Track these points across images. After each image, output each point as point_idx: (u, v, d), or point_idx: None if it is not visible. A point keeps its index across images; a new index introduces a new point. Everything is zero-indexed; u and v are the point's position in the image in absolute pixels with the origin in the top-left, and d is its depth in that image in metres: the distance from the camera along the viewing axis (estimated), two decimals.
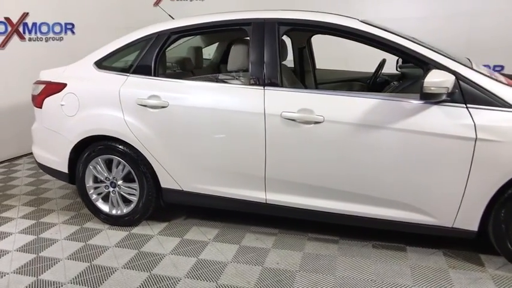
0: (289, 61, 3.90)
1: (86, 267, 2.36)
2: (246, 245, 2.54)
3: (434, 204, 2.19)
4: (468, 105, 2.07)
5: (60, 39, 5.01)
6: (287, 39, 3.42)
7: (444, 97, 2.03)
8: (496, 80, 2.12)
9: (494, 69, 5.39)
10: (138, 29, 2.77)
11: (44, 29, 4.84)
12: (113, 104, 2.63)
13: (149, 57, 2.64)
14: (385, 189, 2.25)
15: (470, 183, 2.09)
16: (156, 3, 6.03)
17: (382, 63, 3.29)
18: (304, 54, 3.73)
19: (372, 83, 3.27)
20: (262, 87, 2.38)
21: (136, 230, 2.81)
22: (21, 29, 4.58)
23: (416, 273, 2.20)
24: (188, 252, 2.48)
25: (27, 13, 4.63)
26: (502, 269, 2.22)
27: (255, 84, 2.40)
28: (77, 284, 2.20)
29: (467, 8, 5.45)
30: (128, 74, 2.67)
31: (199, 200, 2.66)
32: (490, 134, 2.01)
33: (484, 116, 2.04)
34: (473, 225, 2.16)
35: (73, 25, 5.15)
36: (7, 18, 4.44)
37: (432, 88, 1.97)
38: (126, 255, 2.47)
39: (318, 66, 3.97)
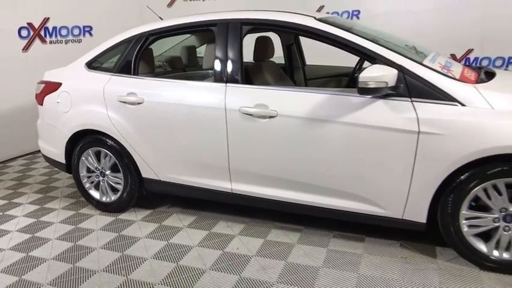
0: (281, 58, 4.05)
1: (70, 247, 2.64)
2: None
3: (384, 195, 2.26)
4: (413, 99, 2.11)
5: (79, 41, 5.41)
6: (276, 37, 3.54)
7: (387, 91, 2.10)
8: (444, 75, 2.14)
9: (509, 61, 5.21)
10: (122, 32, 3.02)
11: (64, 32, 5.26)
12: (98, 101, 2.90)
13: (129, 57, 2.88)
14: (337, 180, 2.34)
15: (415, 175, 2.14)
16: (170, 5, 6.32)
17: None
18: (293, 50, 3.83)
19: (353, 78, 3.32)
20: (224, 84, 2.54)
21: (123, 215, 3.07)
22: (42, 33, 5.02)
23: (366, 262, 2.28)
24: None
25: (48, 18, 5.06)
26: (453, 261, 2.24)
27: (218, 81, 2.56)
28: (59, 260, 2.49)
29: None
30: (112, 74, 2.92)
31: (175, 189, 2.87)
32: (432, 127, 2.05)
33: (427, 109, 2.08)
34: (421, 217, 2.21)
35: (91, 28, 5.54)
36: (30, 24, 4.88)
37: (369, 83, 2.03)
38: (107, 237, 2.74)
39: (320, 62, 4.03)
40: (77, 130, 3.01)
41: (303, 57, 3.92)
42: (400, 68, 2.14)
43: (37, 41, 4.97)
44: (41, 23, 5.00)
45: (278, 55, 3.99)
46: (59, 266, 2.43)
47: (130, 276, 2.29)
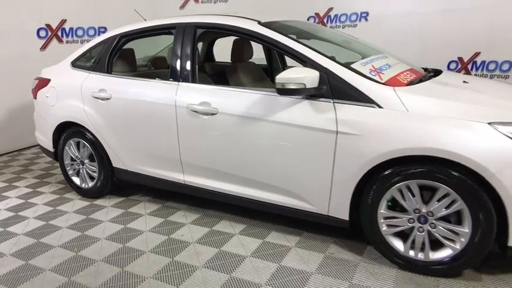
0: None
1: (42, 225, 2.96)
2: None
3: (310, 192, 2.36)
4: (334, 100, 2.20)
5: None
6: None
7: (310, 92, 2.20)
8: (368, 78, 2.21)
9: None
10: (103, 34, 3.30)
11: (80, 32, 5.70)
12: (77, 96, 3.20)
13: (104, 56, 3.16)
14: (270, 175, 2.47)
15: (335, 173, 2.23)
16: (182, 7, 6.63)
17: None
18: (273, 53, 3.96)
19: None
20: (177, 83, 2.74)
21: (99, 201, 3.36)
22: (59, 34, 5.49)
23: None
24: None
25: (65, 20, 5.52)
26: (378, 260, 2.30)
27: (172, 79, 2.77)
28: (28, 236, 2.81)
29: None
30: (90, 72, 3.22)
31: (140, 179, 3.12)
32: (349, 128, 2.13)
33: (346, 110, 2.16)
34: (344, 214, 2.29)
35: (106, 29, 5.94)
36: (48, 25, 5.36)
37: (286, 84, 2.15)
38: (75, 219, 3.03)
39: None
40: (60, 122, 3.34)
41: (283, 59, 4.04)
42: (324, 71, 2.24)
43: (54, 40, 5.44)
44: (58, 24, 5.47)
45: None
46: (26, 240, 2.75)
47: (81, 253, 2.55)
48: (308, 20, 6.43)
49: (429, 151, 1.95)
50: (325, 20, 6.44)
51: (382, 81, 2.21)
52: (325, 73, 2.23)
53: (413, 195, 2.07)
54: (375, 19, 6.19)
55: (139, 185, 3.43)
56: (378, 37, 6.12)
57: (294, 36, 2.86)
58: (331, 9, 6.39)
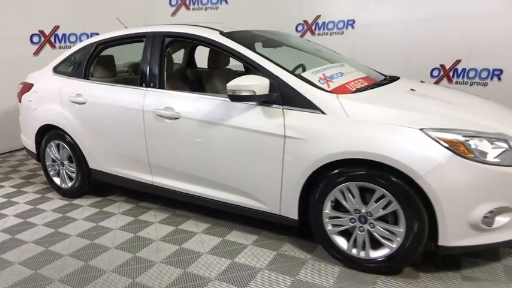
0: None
1: (20, 222, 3.12)
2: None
3: (263, 192, 2.49)
4: (284, 107, 2.34)
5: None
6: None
7: (262, 99, 2.34)
8: (314, 85, 2.35)
9: (494, 73, 5.10)
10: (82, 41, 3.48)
11: (73, 38, 5.90)
12: (56, 100, 3.38)
13: (82, 63, 3.33)
14: (228, 177, 2.61)
15: (284, 175, 2.36)
16: (174, 14, 6.82)
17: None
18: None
19: None
20: (145, 88, 2.90)
21: (77, 201, 3.52)
22: (52, 39, 5.69)
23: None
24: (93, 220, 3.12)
25: (58, 26, 5.73)
26: (325, 258, 2.42)
27: (141, 85, 2.93)
28: (3, 232, 2.97)
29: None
30: (68, 77, 3.39)
31: (114, 180, 3.27)
32: (294, 132, 2.27)
33: (293, 116, 2.30)
34: (294, 213, 2.42)
35: (98, 34, 6.15)
36: (41, 31, 5.57)
37: (237, 91, 2.29)
38: (52, 217, 3.20)
39: None
40: (41, 124, 3.52)
41: None
42: (275, 78, 2.38)
43: (47, 46, 5.65)
44: (52, 31, 5.67)
45: None
46: (1, 236, 2.91)
47: (51, 248, 2.71)
48: (297, 27, 6.61)
49: (364, 155, 2.08)
50: (313, 27, 6.60)
51: (329, 89, 2.35)
52: (276, 81, 2.37)
53: (354, 197, 2.20)
54: (361, 27, 6.34)
55: (117, 186, 3.58)
56: (365, 44, 6.28)
57: (260, 45, 3.03)
58: (318, 16, 6.55)
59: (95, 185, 3.52)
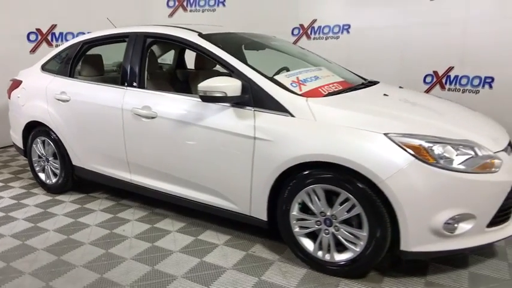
0: None
1: (2, 216, 3.18)
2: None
3: (235, 193, 2.52)
4: (255, 108, 2.37)
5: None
6: None
7: (235, 100, 2.38)
8: (286, 88, 2.37)
9: (485, 81, 5.09)
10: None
11: (69, 37, 5.96)
12: (42, 97, 3.44)
13: (67, 61, 3.39)
14: (201, 177, 2.64)
15: (254, 176, 2.39)
16: (171, 15, 6.88)
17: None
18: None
19: None
20: (125, 87, 2.94)
21: (60, 196, 3.57)
22: (49, 38, 5.78)
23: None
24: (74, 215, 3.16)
25: (56, 24, 5.81)
26: (293, 260, 2.44)
27: (121, 84, 2.97)
28: None
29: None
30: (54, 75, 3.45)
31: (95, 177, 3.32)
32: (264, 134, 2.30)
33: (263, 118, 2.33)
34: (263, 214, 2.44)
35: None
36: (38, 29, 5.65)
37: (208, 92, 2.33)
38: (33, 212, 3.25)
39: None
40: (28, 121, 3.58)
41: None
42: (248, 80, 2.41)
43: (44, 44, 5.73)
44: (49, 29, 5.76)
45: None
46: None
47: (27, 242, 2.75)
48: (293, 31, 6.65)
49: (328, 158, 2.10)
50: (309, 31, 6.63)
51: (300, 93, 2.37)
52: (248, 83, 2.40)
53: (320, 199, 2.22)
54: (356, 31, 6.37)
55: (100, 184, 3.62)
56: (359, 49, 6.30)
57: (242, 46, 3.06)
58: (314, 21, 6.58)
59: (78, 181, 3.57)
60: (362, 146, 2.05)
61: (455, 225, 2.04)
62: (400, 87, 3.03)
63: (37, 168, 3.72)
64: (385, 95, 2.59)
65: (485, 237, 2.13)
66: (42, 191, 3.72)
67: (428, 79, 5.82)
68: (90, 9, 6.13)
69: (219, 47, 2.62)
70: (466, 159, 2.04)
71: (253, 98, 2.39)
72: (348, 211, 2.14)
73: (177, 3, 6.81)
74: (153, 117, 2.73)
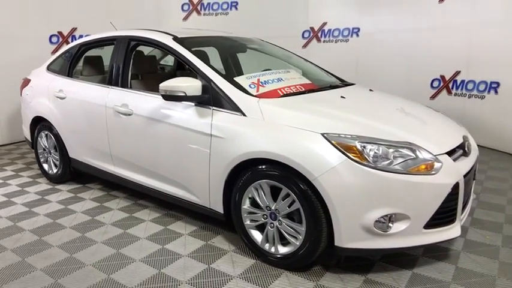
0: None
1: (4, 201, 3.53)
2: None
3: (196, 186, 2.70)
4: (213, 108, 2.54)
5: (101, 48, 6.53)
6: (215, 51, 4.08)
7: (196, 100, 2.56)
8: (241, 89, 2.52)
9: (491, 86, 4.96)
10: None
11: None
12: (45, 95, 3.78)
13: (67, 62, 3.71)
14: (169, 171, 2.84)
15: (211, 171, 2.55)
16: (185, 18, 7.18)
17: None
18: (229, 63, 4.31)
19: None
20: (109, 87, 3.20)
21: (60, 186, 3.90)
22: (70, 40, 6.22)
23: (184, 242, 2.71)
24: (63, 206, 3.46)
25: (76, 28, 6.26)
26: (246, 251, 2.58)
27: (107, 84, 3.23)
28: None
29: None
30: (56, 74, 3.78)
31: (87, 168, 3.61)
32: (218, 132, 2.47)
33: (219, 116, 2.50)
34: (219, 207, 2.60)
35: None
36: (59, 32, 6.12)
37: (168, 91, 2.52)
38: (32, 198, 3.59)
39: None
40: (34, 116, 3.94)
41: (239, 70, 4.38)
42: (209, 81, 2.58)
43: (64, 46, 6.18)
44: (69, 32, 6.21)
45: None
46: None
47: (18, 224, 3.07)
48: (303, 33, 6.75)
49: (268, 155, 2.23)
50: (319, 34, 6.71)
51: (255, 94, 2.52)
52: (209, 83, 2.58)
53: (265, 194, 2.35)
54: (366, 35, 6.39)
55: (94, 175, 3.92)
56: (368, 52, 6.31)
57: (217, 50, 3.24)
58: (325, 24, 6.65)
59: (75, 172, 3.88)
60: (300, 145, 2.17)
61: (390, 224, 2.11)
62: (370, 90, 3.09)
63: (41, 160, 4.07)
64: (342, 97, 2.68)
65: (422, 238, 2.18)
66: (46, 180, 4.07)
67: (436, 83, 5.74)
68: (108, 13, 6.53)
69: (189, 50, 2.81)
70: (403, 161, 2.10)
71: (212, 97, 2.56)
72: (289, 206, 2.26)
73: (191, 7, 7.09)
74: (129, 114, 2.97)
